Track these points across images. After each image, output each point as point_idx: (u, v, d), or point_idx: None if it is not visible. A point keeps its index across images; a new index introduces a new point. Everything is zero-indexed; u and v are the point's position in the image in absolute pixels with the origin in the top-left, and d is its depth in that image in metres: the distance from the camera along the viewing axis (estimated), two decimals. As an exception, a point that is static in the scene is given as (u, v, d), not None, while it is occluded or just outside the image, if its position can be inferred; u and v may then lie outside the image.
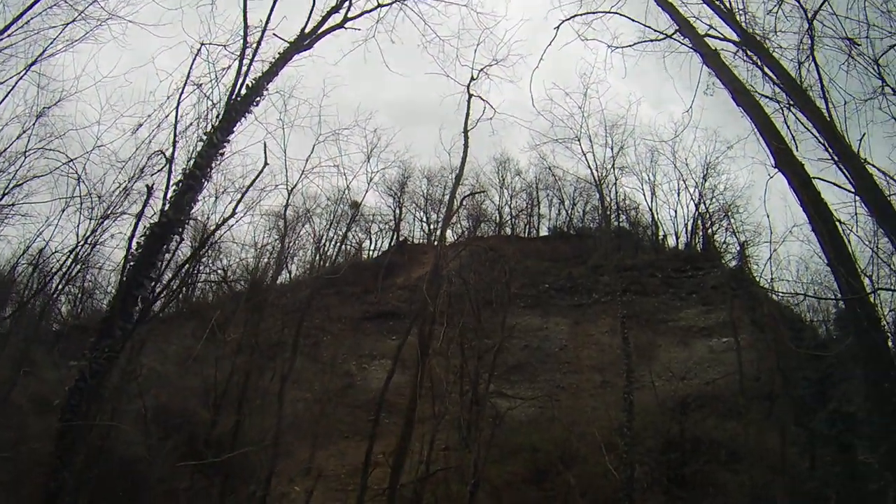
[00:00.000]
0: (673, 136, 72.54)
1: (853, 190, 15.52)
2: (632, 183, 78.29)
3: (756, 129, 18.18)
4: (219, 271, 39.80)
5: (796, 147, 17.51)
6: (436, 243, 47.65)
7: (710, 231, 60.68)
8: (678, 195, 63.85)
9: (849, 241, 16.00)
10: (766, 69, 19.32)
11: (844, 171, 16.00)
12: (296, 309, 36.90)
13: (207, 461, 24.56)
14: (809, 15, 17.73)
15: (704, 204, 60.32)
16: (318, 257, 57.92)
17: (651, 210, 65.07)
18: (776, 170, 17.35)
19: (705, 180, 59.13)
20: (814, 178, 16.07)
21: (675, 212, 66.41)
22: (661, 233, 65.27)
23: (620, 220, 65.15)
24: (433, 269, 31.55)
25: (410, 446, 29.19)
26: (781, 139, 17.39)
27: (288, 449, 32.53)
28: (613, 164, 52.75)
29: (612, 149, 50.14)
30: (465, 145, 33.09)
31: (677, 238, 64.09)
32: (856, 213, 15.66)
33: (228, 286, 42.93)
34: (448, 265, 33.49)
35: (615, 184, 60.09)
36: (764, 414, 33.97)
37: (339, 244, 62.16)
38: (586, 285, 54.70)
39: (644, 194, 66.85)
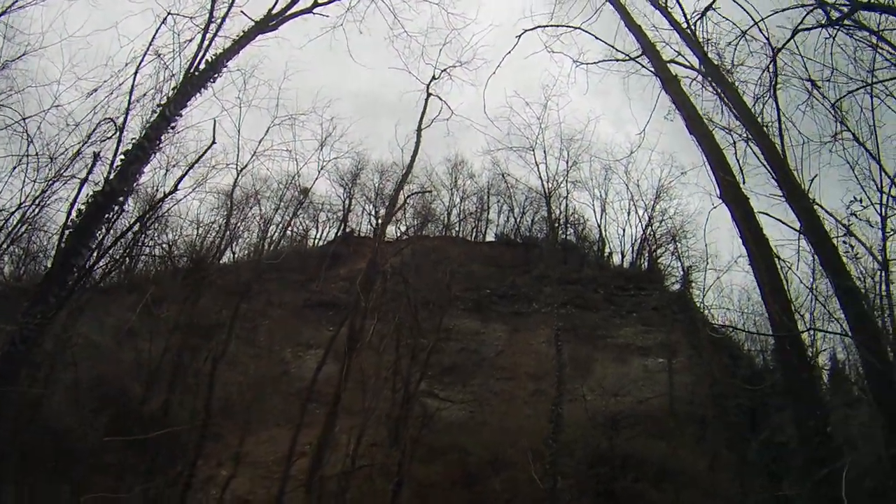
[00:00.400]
0: (627, 156, 73.41)
1: (798, 229, 15.77)
2: (583, 198, 78.84)
3: (705, 159, 18.41)
4: (163, 245, 39.32)
5: (744, 180, 17.75)
6: (376, 237, 47.63)
7: (655, 253, 61.38)
8: (628, 214, 64.39)
9: (787, 279, 16.27)
10: (725, 100, 19.58)
11: (793, 209, 16.25)
12: (236, 291, 36.52)
13: (135, 437, 24.22)
14: (774, 50, 17.96)
15: (652, 226, 61.11)
16: (262, 241, 57.54)
17: (599, 226, 65.54)
18: (721, 200, 17.59)
19: (656, 203, 59.98)
20: (760, 212, 16.30)
21: (624, 230, 66.86)
22: (607, 250, 65.73)
23: (568, 233, 65.49)
24: (369, 263, 31.55)
25: (338, 439, 29.17)
26: (729, 171, 17.61)
27: (218, 432, 32.22)
28: (566, 178, 53.36)
29: (566, 162, 50.67)
30: (417, 143, 33.24)
31: (623, 257, 64.60)
32: (798, 252, 15.93)
33: (172, 261, 42.40)
34: (388, 261, 33.50)
35: (566, 197, 60.62)
36: (696, 437, 34.44)
37: (284, 229, 61.73)
38: (528, 294, 54.84)
39: (594, 210, 67.18)
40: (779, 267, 15.93)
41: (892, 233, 16.71)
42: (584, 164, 66.42)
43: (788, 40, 16.81)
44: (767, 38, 18.60)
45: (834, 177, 17.01)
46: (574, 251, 63.10)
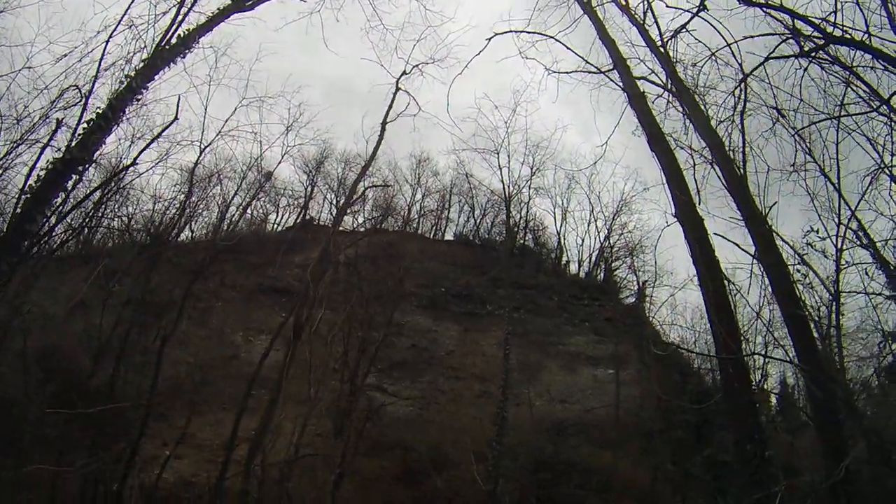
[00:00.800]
0: (589, 165, 74.15)
1: (753, 254, 15.98)
2: (545, 205, 79.32)
3: (664, 176, 18.55)
4: (123, 218, 38.92)
5: (700, 201, 17.92)
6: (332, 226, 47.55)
7: (612, 265, 61.89)
8: (588, 225, 64.99)
9: (735, 302, 16.50)
10: (691, 120, 19.75)
11: (750, 233, 16.47)
12: (191, 270, 36.22)
13: (79, 412, 23.94)
14: (744, 75, 18.15)
15: (611, 238, 61.66)
16: (221, 221, 57.14)
17: (559, 234, 66.06)
18: (675, 219, 17.77)
19: (617, 216, 60.54)
20: (716, 234, 16.46)
21: (583, 240, 67.53)
22: (564, 258, 66.22)
23: (527, 238, 65.81)
24: (322, 252, 31.51)
25: (282, 427, 29.08)
26: (686, 191, 17.77)
27: (164, 412, 31.98)
28: (530, 184, 53.60)
29: (530, 168, 50.92)
30: (381, 136, 33.19)
31: (580, 266, 65.15)
32: (751, 277, 16.14)
33: (130, 235, 41.97)
34: (342, 251, 33.46)
35: (528, 202, 60.95)
36: (641, 449, 34.76)
37: (243, 211, 61.34)
38: (482, 296, 55.00)
39: (555, 218, 67.68)
40: (728, 289, 16.14)
41: (846, 265, 17.05)
42: (548, 171, 67.04)
43: (758, 66, 16.98)
44: (740, 64, 18.77)
45: (796, 206, 17.31)
46: (531, 256, 63.46)
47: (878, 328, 17.59)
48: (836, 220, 16.83)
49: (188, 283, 33.41)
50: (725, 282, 15.98)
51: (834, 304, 17.74)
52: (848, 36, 14.63)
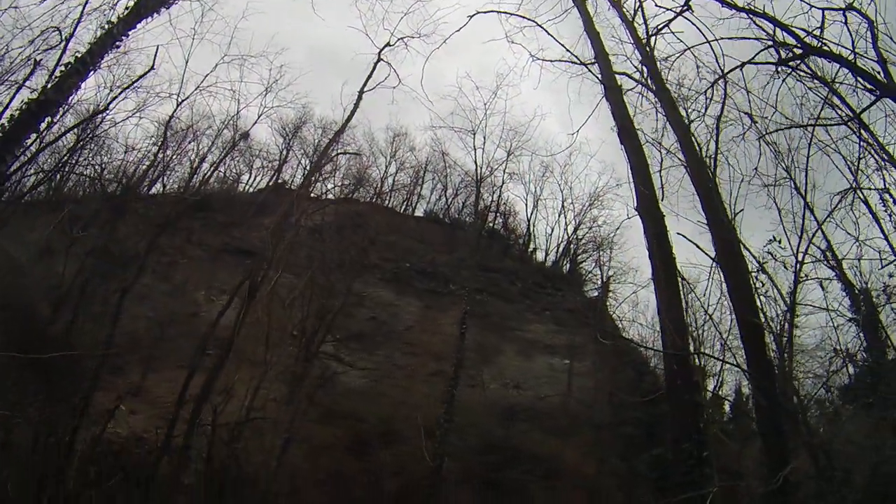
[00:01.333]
0: (560, 152, 74.04)
1: (713, 257, 16.11)
2: (518, 191, 79.18)
3: (630, 170, 18.70)
4: (96, 167, 38.49)
5: (663, 197, 18.05)
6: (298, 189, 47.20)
7: (578, 257, 62.15)
8: (559, 215, 65.03)
9: (687, 301, 16.63)
10: (668, 119, 19.84)
11: (713, 236, 16.60)
12: (158, 223, 35.92)
13: (31, 356, 23.68)
14: (716, 77, 18.23)
15: (580, 231, 61.94)
16: (192, 176, 56.55)
17: (529, 221, 66.18)
18: (636, 213, 17.88)
19: (588, 209, 60.78)
20: (678, 234, 16.61)
21: (553, 230, 67.79)
22: (532, 245, 66.30)
23: (497, 222, 65.78)
24: (284, 213, 31.43)
25: (236, 389, 29.06)
26: (651, 186, 17.94)
27: (121, 365, 31.82)
28: (505, 168, 53.52)
29: (506, 152, 50.88)
30: (356, 104, 33.26)
31: (546, 255, 65.27)
32: (710, 279, 16.28)
33: (101, 184, 41.51)
34: (308, 216, 33.29)
35: (501, 186, 60.89)
36: (590, 442, 35.01)
37: (216, 167, 60.69)
38: (447, 275, 54.97)
39: (526, 205, 67.77)
40: (682, 288, 16.27)
41: (804, 279, 17.22)
42: (524, 157, 66.90)
43: (733, 69, 17.10)
44: (722, 69, 18.85)
45: (768, 218, 17.43)
46: (499, 240, 63.56)
47: (830, 346, 17.81)
48: (800, 232, 16.95)
49: (154, 236, 33.19)
50: (680, 280, 16.14)
51: (788, 314, 17.91)
52: (826, 48, 14.72)
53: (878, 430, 16.29)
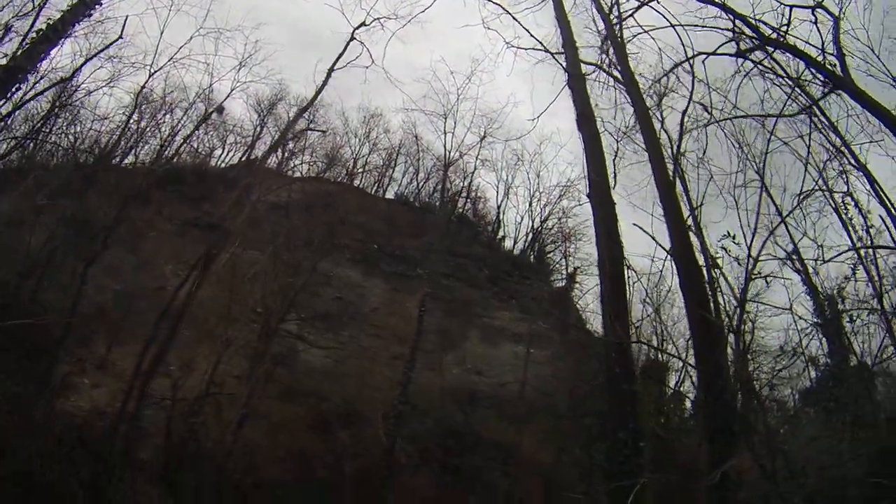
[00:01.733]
0: (524, 135, 74.12)
1: (667, 249, 16.30)
2: (490, 178, 79.21)
3: (585, 157, 18.89)
4: (69, 136, 38.28)
5: (615, 185, 18.26)
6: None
7: (546, 248, 62.36)
8: (529, 204, 65.11)
9: (631, 290, 16.82)
10: (634, 108, 20.04)
11: (668, 228, 16.80)
12: (129, 195, 35.77)
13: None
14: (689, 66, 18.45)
15: (549, 221, 62.17)
16: (164, 148, 56.14)
17: (499, 208, 66.14)
18: (587, 199, 18.09)
19: (559, 199, 60.95)
20: (634, 224, 16.78)
21: (522, 218, 67.72)
22: (501, 232, 66.35)
23: (466, 208, 65.87)
24: (243, 188, 31.36)
25: (197, 364, 29.11)
26: (603, 173, 18.15)
27: (88, 335, 31.69)
28: (478, 154, 53.62)
29: (479, 137, 50.96)
30: (325, 82, 33.31)
31: (515, 243, 65.34)
32: (661, 271, 16.47)
33: (74, 153, 41.25)
34: (273, 192, 33.20)
35: (472, 172, 61.01)
36: (551, 430, 35.25)
37: (187, 139, 60.18)
38: (415, 258, 54.84)
39: (497, 192, 67.78)
40: (627, 277, 16.48)
41: (756, 275, 17.43)
42: (497, 145, 66.95)
43: (693, 57, 17.30)
44: (691, 61, 19.05)
45: (732, 217, 17.58)
46: (469, 226, 63.55)
47: (791, 348, 18.02)
48: (754, 228, 17.14)
49: (122, 207, 33.07)
50: (627, 269, 16.35)
51: (738, 310, 18.08)
52: (783, 41, 14.98)
53: (837, 433, 16.56)
